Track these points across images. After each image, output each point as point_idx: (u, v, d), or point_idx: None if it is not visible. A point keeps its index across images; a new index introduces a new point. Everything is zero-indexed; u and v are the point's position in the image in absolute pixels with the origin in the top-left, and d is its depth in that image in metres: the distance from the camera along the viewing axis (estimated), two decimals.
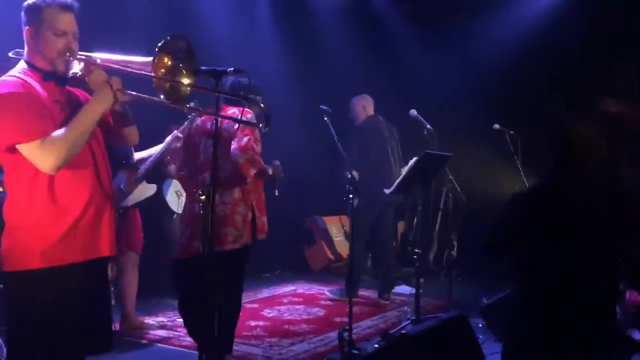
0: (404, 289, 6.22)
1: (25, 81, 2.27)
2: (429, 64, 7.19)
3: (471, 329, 3.65)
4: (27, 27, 2.33)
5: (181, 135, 4.35)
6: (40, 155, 2.17)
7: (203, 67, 2.45)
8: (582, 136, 2.57)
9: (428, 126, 5.27)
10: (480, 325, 4.47)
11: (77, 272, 2.28)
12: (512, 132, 5.12)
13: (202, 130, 3.67)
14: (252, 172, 3.51)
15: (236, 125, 3.43)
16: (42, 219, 2.24)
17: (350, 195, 4.41)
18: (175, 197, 5.58)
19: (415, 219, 5.26)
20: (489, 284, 5.29)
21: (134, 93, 2.37)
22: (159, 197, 5.43)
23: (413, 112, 5.37)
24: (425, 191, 5.27)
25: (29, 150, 2.17)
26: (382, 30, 7.65)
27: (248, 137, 3.44)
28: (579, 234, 2.51)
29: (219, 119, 3.21)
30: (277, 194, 3.87)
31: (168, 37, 2.36)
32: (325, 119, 4.76)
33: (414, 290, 4.71)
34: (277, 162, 3.92)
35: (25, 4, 2.33)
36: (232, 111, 3.52)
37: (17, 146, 2.18)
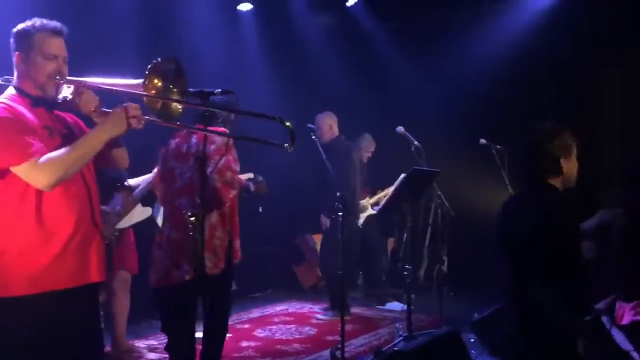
0: (395, 305, 6.22)
1: (12, 107, 2.26)
2: (415, 81, 7.27)
3: (464, 344, 3.66)
4: (17, 53, 2.33)
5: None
6: (36, 174, 2.17)
7: (191, 89, 2.45)
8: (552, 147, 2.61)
9: (415, 142, 5.32)
10: (472, 340, 4.47)
11: (66, 298, 2.25)
12: (498, 146, 5.18)
13: (176, 154, 3.56)
14: (232, 194, 3.45)
15: (211, 147, 3.37)
16: (29, 245, 2.21)
17: (340, 214, 4.44)
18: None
19: (405, 235, 5.27)
20: (479, 298, 5.32)
21: (149, 119, 2.35)
22: (150, 220, 5.41)
23: (400, 129, 5.41)
24: (414, 207, 5.30)
25: (23, 171, 2.17)
26: (368, 48, 7.73)
27: (225, 157, 3.36)
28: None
29: (204, 141, 3.24)
30: (260, 210, 3.86)
31: (158, 59, 2.37)
32: (313, 137, 4.80)
33: (405, 307, 4.71)
34: (260, 178, 3.89)
35: (15, 29, 2.34)
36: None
37: (12, 169, 2.17)
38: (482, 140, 5.22)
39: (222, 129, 3.48)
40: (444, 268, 6.57)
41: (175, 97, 2.40)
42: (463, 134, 6.45)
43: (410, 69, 7.33)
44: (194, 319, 3.50)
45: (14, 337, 2.22)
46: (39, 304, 2.20)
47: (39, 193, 2.22)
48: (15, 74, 2.37)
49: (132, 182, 4.37)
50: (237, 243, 3.58)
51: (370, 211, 6.55)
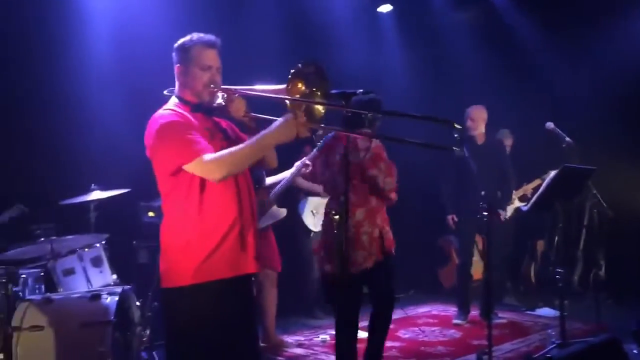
0: (546, 311, 5.90)
1: (180, 113, 2.49)
2: (565, 73, 6.84)
3: (626, 354, 3.38)
4: (178, 65, 2.56)
5: (309, 163, 4.52)
6: (206, 168, 2.36)
7: (333, 91, 2.51)
8: None
9: (567, 139, 5.02)
10: (635, 351, 4.11)
11: (226, 287, 2.43)
12: None
13: (334, 155, 3.74)
14: (395, 196, 3.59)
15: (372, 145, 3.45)
16: (192, 239, 2.42)
17: (485, 213, 4.30)
18: (312, 216, 5.74)
19: (557, 237, 4.97)
20: None
21: (313, 126, 2.45)
22: (295, 216, 5.63)
23: (550, 124, 5.14)
24: (566, 207, 4.99)
25: (195, 167, 2.37)
26: (512, 42, 7.40)
27: (385, 161, 3.49)
28: None
29: (352, 142, 3.32)
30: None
31: (299, 64, 2.46)
32: (456, 135, 4.69)
33: (557, 313, 4.45)
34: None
35: (176, 44, 2.57)
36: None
37: (184, 167, 2.38)
38: None
39: (368, 131, 3.53)
40: (602, 273, 6.10)
41: (318, 99, 2.48)
42: (621, 127, 5.97)
43: (558, 61, 6.91)
44: (351, 311, 3.56)
45: (179, 324, 2.44)
46: (201, 293, 2.40)
47: (202, 191, 2.41)
48: (177, 84, 2.60)
49: (269, 180, 4.59)
50: (390, 234, 3.61)
51: (517, 203, 6.29)
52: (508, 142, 6.42)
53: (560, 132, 5.05)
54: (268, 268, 4.70)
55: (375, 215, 3.55)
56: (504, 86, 7.10)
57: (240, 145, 2.41)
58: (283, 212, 4.82)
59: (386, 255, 3.55)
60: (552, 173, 4.51)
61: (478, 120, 5.56)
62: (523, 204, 6.18)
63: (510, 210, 6.21)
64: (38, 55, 4.85)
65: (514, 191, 6.32)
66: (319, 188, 5.41)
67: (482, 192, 4.34)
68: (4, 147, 4.68)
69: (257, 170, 4.23)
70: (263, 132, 2.42)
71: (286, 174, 4.60)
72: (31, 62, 4.82)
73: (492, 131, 6.14)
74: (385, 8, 7.19)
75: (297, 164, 4.56)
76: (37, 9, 4.82)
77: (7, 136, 4.71)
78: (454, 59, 7.37)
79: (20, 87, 4.79)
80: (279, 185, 4.59)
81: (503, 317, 5.73)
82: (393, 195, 3.55)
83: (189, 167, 2.38)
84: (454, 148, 2.18)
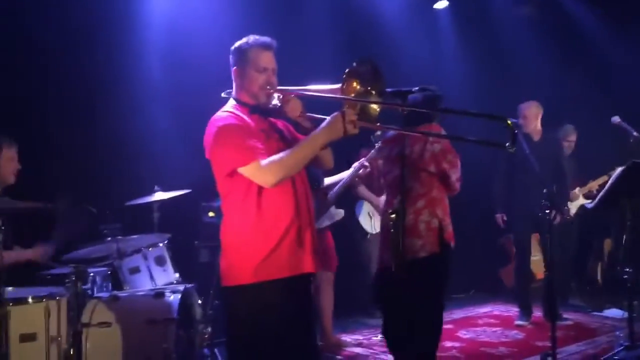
0: (613, 312, 5.69)
1: (237, 115, 2.54)
2: (630, 66, 6.58)
3: None
4: (235, 68, 2.61)
5: (367, 164, 4.51)
6: (260, 173, 2.40)
7: (388, 89, 2.50)
8: None
9: (634, 133, 4.83)
10: None
11: (285, 286, 2.46)
12: None
13: (392, 150, 3.71)
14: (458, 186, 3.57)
15: (435, 144, 3.41)
16: (252, 238, 2.46)
17: (547, 211, 4.17)
18: (368, 218, 5.73)
19: (625, 236, 4.78)
20: None
21: (363, 124, 2.43)
22: (352, 218, 5.63)
23: (616, 118, 4.96)
24: (634, 204, 4.79)
25: (249, 171, 2.41)
26: (573, 34, 7.18)
27: (451, 153, 3.45)
28: None
29: (410, 140, 3.30)
30: None
31: (354, 63, 2.46)
32: (515, 132, 4.58)
33: (625, 314, 4.29)
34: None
35: (232, 47, 2.62)
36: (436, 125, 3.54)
37: (239, 169, 2.43)
38: None
39: (438, 127, 3.50)
40: None
41: (373, 98, 2.48)
42: None
43: (623, 53, 6.65)
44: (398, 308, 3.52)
45: (239, 322, 2.49)
46: (261, 292, 2.44)
47: (260, 192, 2.45)
48: (234, 86, 2.65)
49: (328, 180, 4.60)
50: (450, 226, 3.54)
51: (582, 200, 6.10)
52: (572, 137, 6.25)
53: (627, 126, 4.87)
54: (326, 270, 4.72)
55: (436, 206, 3.50)
56: (566, 80, 6.90)
57: (292, 149, 2.44)
58: (341, 213, 4.83)
59: (443, 248, 3.47)
60: (619, 169, 4.35)
61: (530, 117, 5.43)
62: (588, 201, 5.99)
63: (574, 207, 6.03)
64: (102, 62, 5.04)
65: (577, 188, 6.13)
66: (377, 200, 5.41)
67: (545, 190, 4.22)
68: (75, 153, 4.90)
69: (314, 171, 4.26)
70: (312, 133, 2.44)
71: (344, 175, 4.61)
72: (95, 69, 5.01)
73: (555, 127, 5.98)
74: (442, 4, 7.10)
75: (355, 164, 4.57)
76: (95, 16, 4.98)
77: (77, 142, 4.93)
78: (512, 54, 7.20)
79: (83, 95, 4.99)
80: (337, 186, 4.61)
81: (568, 318, 5.56)
82: (457, 186, 3.53)
83: (244, 171, 2.42)
84: (506, 145, 2.14)
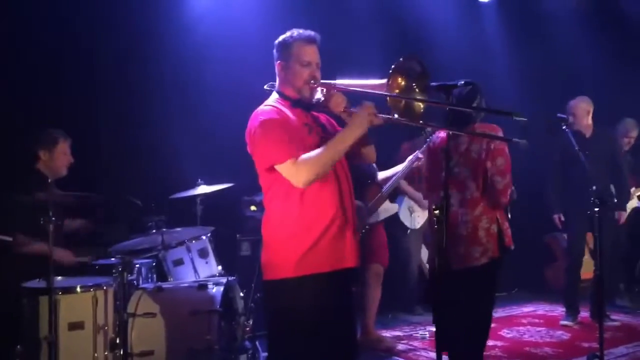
0: None
1: (280, 109, 2.54)
2: None
3: None
4: (279, 62, 2.62)
5: (422, 156, 4.45)
6: (294, 172, 2.41)
7: (433, 83, 2.47)
8: None
9: None
10: None
11: (326, 280, 2.47)
12: None
13: (443, 148, 3.62)
14: (509, 195, 3.36)
15: (491, 144, 3.29)
16: (293, 233, 2.47)
17: (596, 209, 4.05)
18: (408, 213, 5.69)
19: None
20: None
21: (385, 116, 2.46)
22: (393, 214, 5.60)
23: None
24: None
25: (284, 168, 2.43)
26: (628, 26, 6.93)
27: (503, 157, 3.30)
28: None
29: (459, 136, 3.24)
30: None
31: (401, 59, 2.44)
32: (564, 127, 4.47)
33: None
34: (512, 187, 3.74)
35: (277, 41, 2.63)
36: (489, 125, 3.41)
37: (275, 166, 2.44)
38: None
39: (494, 126, 3.40)
40: None
41: (417, 93, 2.45)
42: None
43: None
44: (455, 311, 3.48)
45: (280, 315, 2.51)
46: (302, 286, 2.45)
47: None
48: (278, 80, 2.65)
49: (381, 174, 4.57)
50: (509, 230, 3.44)
51: (635, 202, 5.88)
52: (633, 133, 5.94)
53: None
54: (376, 263, 4.67)
55: (494, 211, 3.42)
56: (620, 75, 6.66)
57: (323, 147, 2.43)
58: (395, 207, 4.81)
59: (503, 252, 3.42)
60: None
61: (581, 114, 5.25)
62: None
63: (629, 207, 5.82)
64: (148, 63, 5.15)
65: (633, 188, 5.91)
66: (418, 195, 5.37)
67: (594, 187, 4.09)
68: (123, 149, 5.04)
69: (368, 165, 4.23)
70: (342, 130, 2.47)
71: (398, 169, 4.59)
72: (141, 69, 5.13)
73: (612, 123, 5.77)
74: None
75: (410, 157, 4.53)
76: (140, 15, 5.10)
77: (124, 138, 5.06)
78: (563, 49, 7.01)
79: (131, 93, 5.12)
80: (391, 180, 4.58)
81: (616, 319, 5.41)
82: (503, 197, 3.30)
83: (280, 168, 2.43)
84: (514, 140, 2.08)
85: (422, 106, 2.45)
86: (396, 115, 2.44)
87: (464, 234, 3.31)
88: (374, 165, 4.28)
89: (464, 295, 3.34)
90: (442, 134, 3.58)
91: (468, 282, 3.31)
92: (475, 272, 3.28)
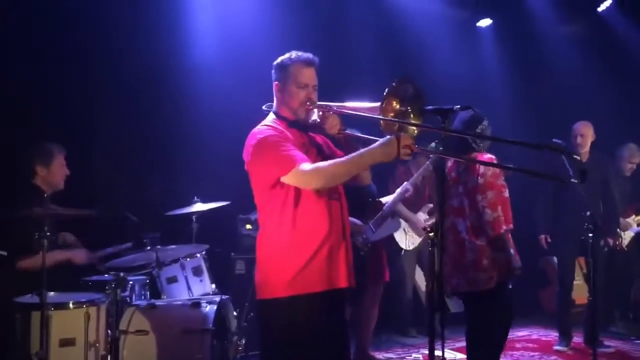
0: None
1: (276, 127, 2.57)
2: None
3: None
4: (276, 82, 2.65)
5: (410, 187, 4.49)
6: (303, 178, 2.42)
7: (429, 107, 2.44)
8: None
9: None
10: None
11: (319, 300, 2.46)
12: None
13: (449, 174, 3.59)
14: (503, 228, 3.33)
15: (488, 172, 3.30)
16: (286, 252, 2.48)
17: (590, 235, 4.07)
18: (403, 234, 5.70)
19: None
20: None
21: (419, 149, 2.43)
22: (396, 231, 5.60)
23: None
24: None
25: (292, 177, 2.43)
26: (623, 54, 7.01)
27: (494, 191, 3.31)
28: None
29: (469, 166, 3.25)
30: None
31: (394, 82, 2.45)
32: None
33: None
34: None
35: (275, 62, 2.66)
36: (489, 156, 3.39)
37: (282, 178, 2.45)
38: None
39: (489, 156, 3.41)
40: None
41: (412, 118, 2.44)
42: None
43: None
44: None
45: (273, 335, 2.51)
46: (295, 306, 2.45)
47: (295, 204, 2.47)
48: (275, 101, 2.68)
49: (383, 200, 4.59)
50: (516, 256, 3.39)
51: (634, 229, 5.88)
52: (636, 158, 5.86)
53: None
54: (379, 283, 4.65)
55: (499, 239, 3.42)
56: (613, 99, 6.72)
57: (340, 159, 2.45)
58: (397, 223, 4.79)
59: (509, 277, 3.41)
60: None
61: (587, 136, 5.26)
62: None
63: (628, 238, 5.81)
64: (145, 77, 5.17)
65: (633, 216, 5.90)
66: (414, 218, 5.40)
67: (588, 213, 4.11)
68: (119, 164, 5.04)
69: (370, 186, 4.26)
70: (364, 150, 2.41)
71: (388, 199, 4.59)
72: (138, 84, 5.14)
73: (608, 147, 5.79)
74: (485, 22, 7.05)
75: (399, 190, 4.56)
76: (140, 31, 5.14)
77: (120, 153, 5.07)
78: (559, 73, 7.07)
79: (127, 107, 5.15)
80: (391, 201, 4.59)
81: (610, 345, 5.39)
82: (490, 230, 3.28)
83: (287, 179, 2.43)
84: (572, 180, 2.04)
85: (416, 131, 2.44)
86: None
87: (470, 259, 3.33)
88: (373, 185, 4.31)
89: (470, 318, 3.38)
90: (451, 161, 3.57)
91: (475, 306, 3.34)
92: (486, 296, 3.31)
